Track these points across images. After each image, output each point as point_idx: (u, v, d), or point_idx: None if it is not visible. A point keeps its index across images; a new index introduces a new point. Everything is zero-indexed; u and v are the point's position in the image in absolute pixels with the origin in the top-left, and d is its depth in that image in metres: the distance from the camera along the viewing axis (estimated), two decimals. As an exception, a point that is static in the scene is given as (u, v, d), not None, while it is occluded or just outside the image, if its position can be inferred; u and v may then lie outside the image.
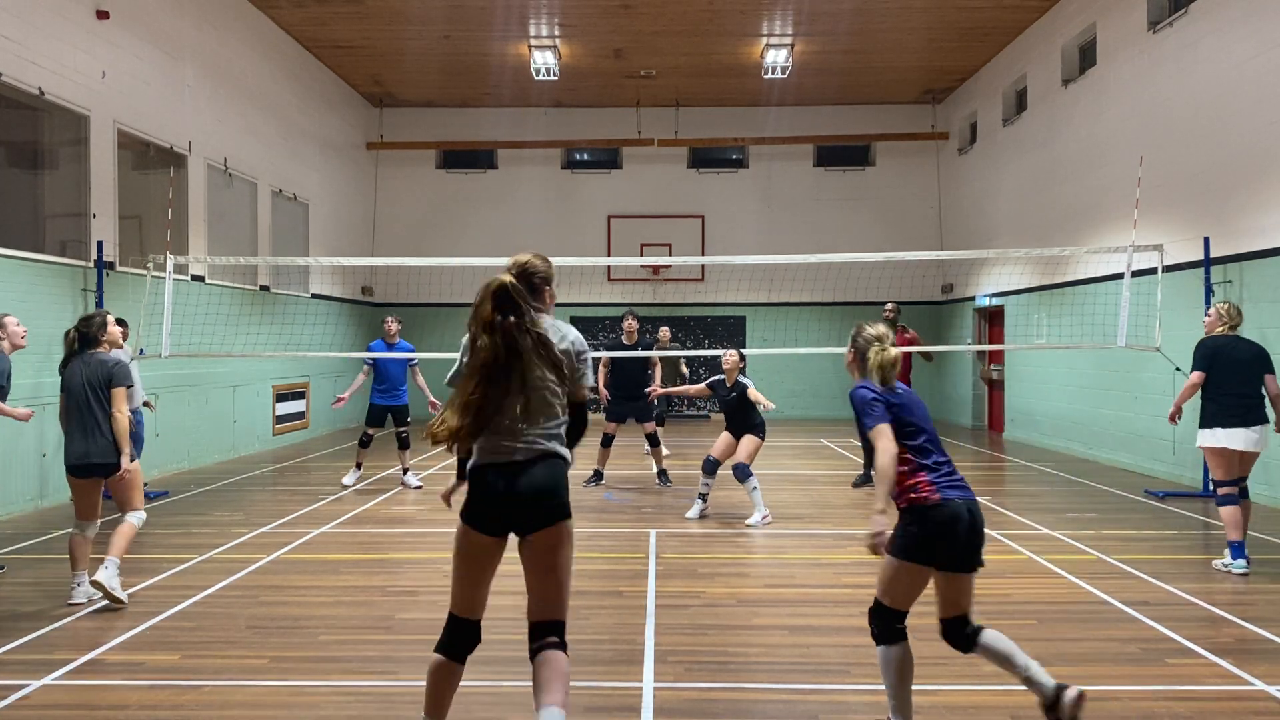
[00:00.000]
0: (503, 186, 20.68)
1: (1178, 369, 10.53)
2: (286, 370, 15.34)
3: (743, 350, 10.40)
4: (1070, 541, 7.74)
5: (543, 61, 16.51)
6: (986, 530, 3.92)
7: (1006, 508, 9.29)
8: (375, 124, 20.29)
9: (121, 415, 5.94)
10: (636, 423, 11.02)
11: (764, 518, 8.54)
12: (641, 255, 19.23)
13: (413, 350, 10.82)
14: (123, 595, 5.88)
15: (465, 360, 3.57)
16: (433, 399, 10.73)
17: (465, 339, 3.58)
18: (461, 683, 4.61)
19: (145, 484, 10.37)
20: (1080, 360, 13.49)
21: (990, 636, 3.90)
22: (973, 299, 18.04)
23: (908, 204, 20.47)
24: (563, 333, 3.66)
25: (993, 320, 17.60)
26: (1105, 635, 5.33)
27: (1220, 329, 7.00)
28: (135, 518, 6.09)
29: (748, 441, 8.78)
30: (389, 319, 10.79)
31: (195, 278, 12.46)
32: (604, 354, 10.98)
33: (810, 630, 5.43)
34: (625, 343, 11.02)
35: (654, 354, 11.17)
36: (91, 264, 10.26)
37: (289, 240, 16.08)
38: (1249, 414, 6.70)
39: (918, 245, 19.53)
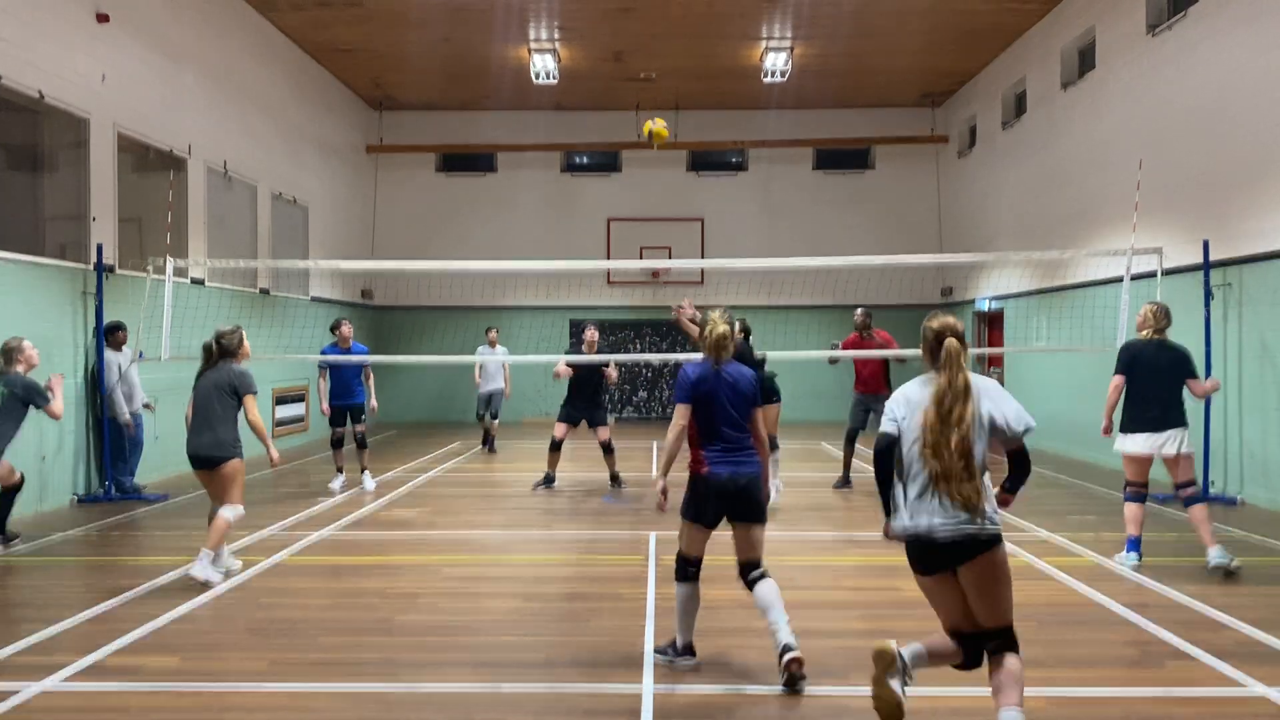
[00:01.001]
0: (503, 189, 20.69)
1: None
2: (286, 374, 15.33)
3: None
4: (1069, 544, 7.74)
5: (542, 65, 16.52)
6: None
7: (1005, 510, 9.27)
8: (375, 127, 20.30)
9: (256, 418, 6.60)
10: (589, 427, 10.96)
11: (775, 490, 8.57)
12: (641, 258, 19.22)
13: (367, 352, 11.00)
14: (215, 578, 6.37)
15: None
16: (374, 402, 10.97)
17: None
18: (461, 685, 4.63)
19: (144, 487, 10.43)
20: (1080, 363, 13.48)
21: (761, 588, 4.76)
22: (972, 302, 18.04)
23: (907, 207, 20.47)
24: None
25: (992, 323, 17.61)
26: (1104, 638, 5.33)
27: (1145, 332, 7.03)
28: (230, 512, 6.53)
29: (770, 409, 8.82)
30: (344, 322, 10.87)
31: (195, 281, 12.46)
32: (562, 357, 11.16)
33: (810, 633, 5.42)
34: (585, 352, 11.00)
35: (610, 358, 11.04)
36: (91, 267, 10.26)
37: (289, 243, 16.08)
38: (1164, 419, 6.74)
39: (917, 248, 19.51)
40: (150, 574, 6.73)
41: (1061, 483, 11.28)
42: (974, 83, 18.30)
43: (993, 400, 3.80)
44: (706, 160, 20.93)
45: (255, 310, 14.14)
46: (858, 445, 10.93)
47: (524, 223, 20.41)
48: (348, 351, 10.71)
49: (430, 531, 8.49)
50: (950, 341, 3.75)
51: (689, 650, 4.89)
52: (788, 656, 4.48)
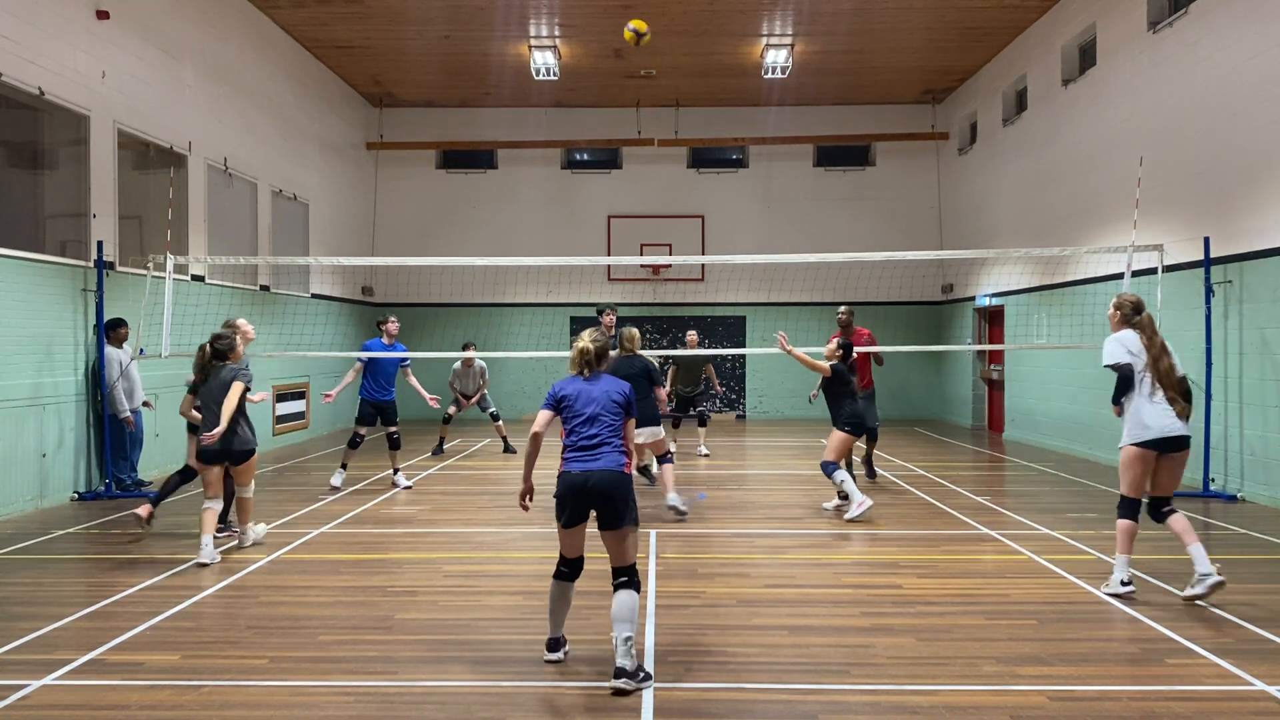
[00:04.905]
0: (503, 186, 20.68)
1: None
2: (286, 370, 15.34)
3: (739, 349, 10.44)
4: (1070, 541, 7.74)
5: (543, 61, 16.52)
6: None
7: (1006, 508, 9.29)
8: (375, 124, 20.30)
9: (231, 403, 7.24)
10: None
11: (860, 505, 8.56)
12: (641, 255, 19.21)
13: (406, 351, 10.86)
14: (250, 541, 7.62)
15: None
16: (430, 396, 10.97)
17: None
18: (461, 682, 4.63)
19: (148, 484, 10.44)
20: (1080, 360, 13.48)
21: (617, 597, 4.73)
22: (973, 299, 18.04)
23: (908, 204, 20.47)
24: None
25: (993, 320, 17.61)
26: (1105, 635, 5.33)
27: (616, 350, 8.91)
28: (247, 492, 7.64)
29: (831, 437, 8.94)
30: (392, 319, 10.82)
31: (195, 277, 12.46)
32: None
33: (810, 630, 5.43)
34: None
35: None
36: (91, 264, 10.26)
37: (289, 240, 16.08)
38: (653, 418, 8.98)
39: (918, 245, 19.54)
40: (150, 570, 6.74)
41: (1062, 479, 11.28)
42: (975, 80, 18.28)
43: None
44: (707, 157, 20.92)
45: (256, 307, 14.15)
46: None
47: (524, 220, 20.40)
48: (390, 348, 10.62)
49: (430, 528, 8.50)
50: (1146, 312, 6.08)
51: (553, 645, 4.93)
52: (615, 682, 4.49)
